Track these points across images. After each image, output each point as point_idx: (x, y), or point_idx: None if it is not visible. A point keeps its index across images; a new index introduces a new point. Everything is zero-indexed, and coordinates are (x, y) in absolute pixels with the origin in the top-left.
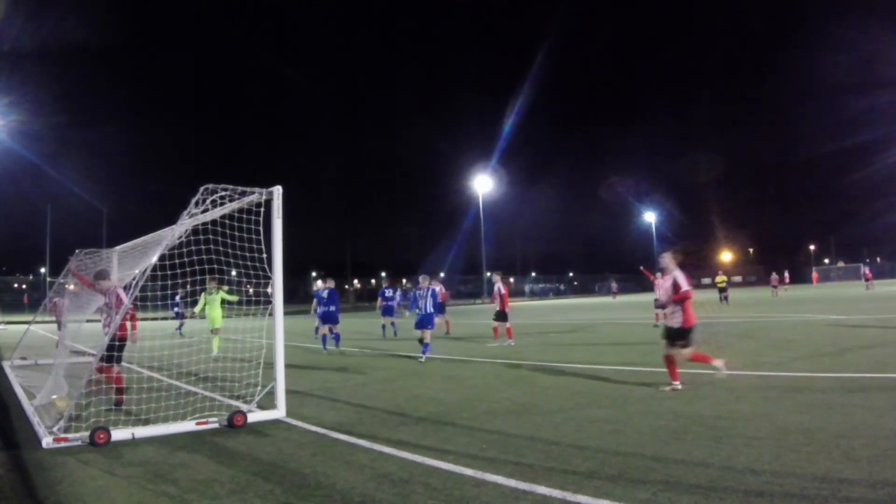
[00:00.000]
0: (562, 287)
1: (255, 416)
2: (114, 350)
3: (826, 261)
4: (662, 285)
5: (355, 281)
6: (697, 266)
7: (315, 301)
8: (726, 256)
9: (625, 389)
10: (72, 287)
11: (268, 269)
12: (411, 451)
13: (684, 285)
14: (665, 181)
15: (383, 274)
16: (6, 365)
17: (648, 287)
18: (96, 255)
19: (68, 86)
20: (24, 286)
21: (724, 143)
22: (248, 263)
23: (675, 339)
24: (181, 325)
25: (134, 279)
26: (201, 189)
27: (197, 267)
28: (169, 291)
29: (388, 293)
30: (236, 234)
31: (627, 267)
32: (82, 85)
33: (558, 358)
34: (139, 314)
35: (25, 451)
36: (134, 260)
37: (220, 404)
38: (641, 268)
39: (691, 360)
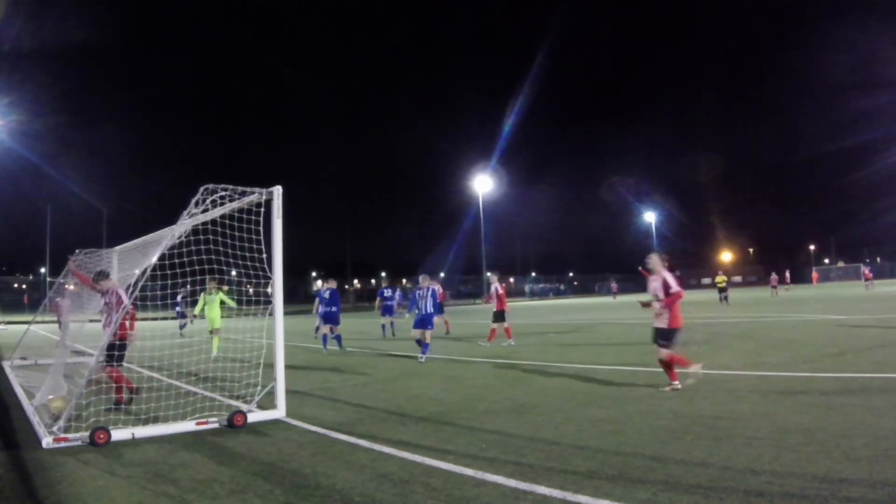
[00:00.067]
0: (562, 287)
1: (255, 416)
2: (114, 350)
3: (826, 261)
4: (649, 286)
5: (355, 281)
6: (680, 272)
7: (317, 300)
8: (726, 256)
9: (625, 389)
10: (72, 287)
11: (268, 269)
12: (411, 451)
13: (675, 286)
14: (665, 181)
15: (383, 274)
16: (6, 365)
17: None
18: (96, 255)
19: (68, 86)
20: (24, 286)
21: (724, 143)
22: (248, 263)
23: (658, 338)
24: (184, 325)
25: (134, 279)
26: (201, 189)
27: (197, 267)
28: (169, 291)
29: (387, 293)
30: (236, 234)
31: (627, 267)
32: (82, 85)
33: (558, 358)
34: (139, 314)
35: (25, 451)
36: (134, 260)
37: (220, 404)
38: (640, 268)
39: (668, 360)
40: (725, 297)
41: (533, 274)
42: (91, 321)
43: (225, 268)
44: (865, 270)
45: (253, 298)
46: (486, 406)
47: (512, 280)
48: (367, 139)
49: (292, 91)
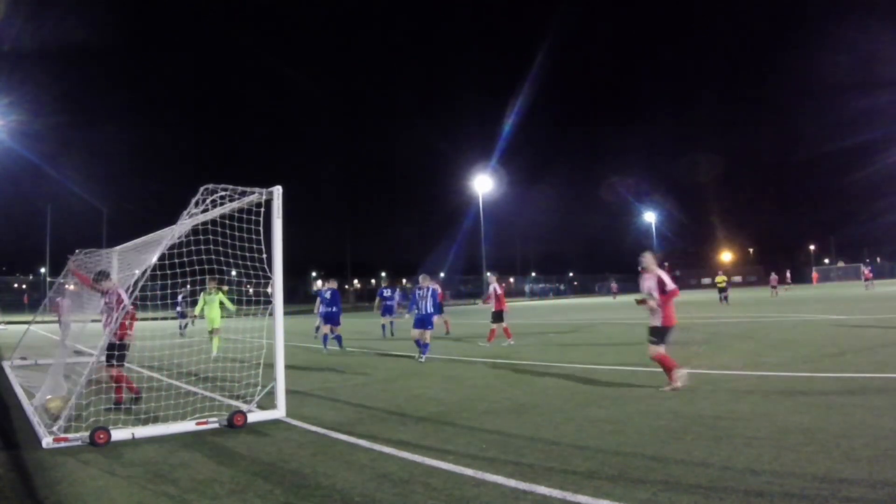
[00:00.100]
0: (562, 287)
1: (255, 416)
2: (114, 350)
3: (826, 261)
4: (643, 284)
5: (355, 281)
6: (680, 272)
7: (318, 300)
8: (726, 256)
9: (625, 389)
10: (72, 287)
11: (268, 269)
12: (411, 451)
13: (671, 284)
14: (665, 181)
15: (383, 274)
16: (6, 365)
17: None
18: (96, 255)
19: (68, 86)
20: (24, 286)
21: (724, 143)
22: (248, 263)
23: (651, 335)
24: (186, 325)
25: (134, 279)
26: (201, 189)
27: (197, 267)
28: (169, 291)
29: (387, 293)
30: (236, 234)
31: (627, 267)
32: (82, 85)
33: (558, 358)
34: (139, 314)
35: (25, 451)
36: (134, 260)
37: (220, 404)
38: (640, 268)
39: (654, 359)
40: (725, 297)
41: (533, 274)
42: (93, 321)
43: (225, 268)
44: (865, 270)
45: (253, 298)
46: (486, 406)
47: (512, 280)
48: (367, 139)
49: (292, 91)
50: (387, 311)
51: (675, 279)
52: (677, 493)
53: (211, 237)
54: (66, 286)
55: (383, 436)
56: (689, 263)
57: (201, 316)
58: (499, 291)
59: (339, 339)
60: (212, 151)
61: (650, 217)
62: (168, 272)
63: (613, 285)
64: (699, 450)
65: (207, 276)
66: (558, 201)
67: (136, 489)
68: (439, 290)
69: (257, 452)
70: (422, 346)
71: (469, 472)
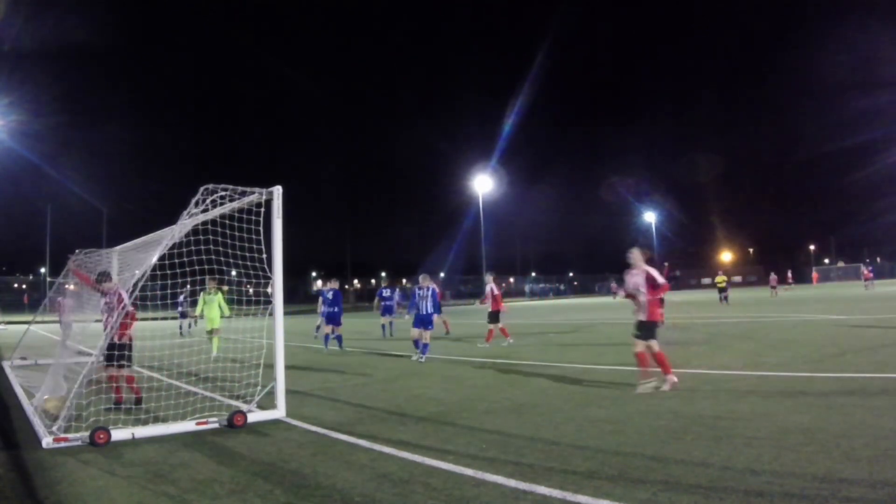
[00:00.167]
0: (562, 287)
1: (255, 416)
2: (114, 350)
3: (826, 261)
4: (630, 280)
5: (355, 281)
6: (680, 272)
7: (320, 300)
8: (726, 256)
9: (625, 389)
10: (72, 287)
11: (268, 269)
12: (411, 451)
13: (660, 279)
14: (665, 181)
15: (383, 274)
16: (6, 365)
17: None
18: (96, 255)
19: (68, 86)
20: (24, 286)
21: (724, 143)
22: (248, 263)
23: (636, 330)
24: (189, 326)
25: (134, 280)
26: (201, 189)
27: (197, 267)
28: (169, 291)
29: (386, 293)
30: (236, 234)
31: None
32: (82, 85)
33: (558, 358)
34: (139, 314)
35: (25, 451)
36: (134, 260)
37: (220, 404)
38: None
39: (636, 356)
40: (725, 297)
41: (533, 274)
42: (97, 321)
43: (225, 268)
44: (865, 270)
45: (253, 298)
46: (486, 406)
47: (512, 280)
48: (367, 139)
49: (292, 91)
50: (386, 311)
51: (671, 278)
52: (677, 493)
53: (211, 237)
54: (67, 286)
55: (383, 436)
56: (689, 263)
57: (201, 316)
58: (496, 292)
59: (339, 339)
60: (212, 151)
61: (650, 217)
62: (168, 272)
63: (613, 285)
64: (699, 450)
65: (207, 277)
66: (558, 201)
67: (136, 489)
68: (438, 290)
69: (257, 452)
70: (421, 346)
71: (469, 472)
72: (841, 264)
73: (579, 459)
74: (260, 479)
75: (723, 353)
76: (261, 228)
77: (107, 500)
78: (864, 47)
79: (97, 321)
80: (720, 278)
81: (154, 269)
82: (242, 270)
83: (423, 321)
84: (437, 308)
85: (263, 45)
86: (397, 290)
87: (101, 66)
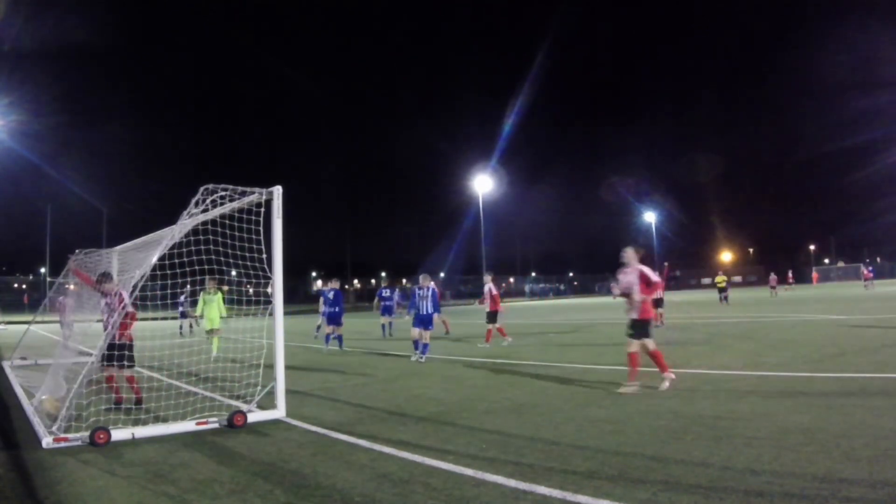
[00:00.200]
0: (562, 287)
1: (255, 416)
2: (114, 350)
3: (826, 261)
4: (623, 279)
5: (355, 281)
6: (681, 272)
7: (322, 300)
8: (726, 256)
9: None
10: (72, 286)
11: (268, 269)
12: (411, 451)
13: (654, 277)
14: (665, 181)
15: (383, 274)
16: (6, 365)
17: None
18: (96, 255)
19: (68, 86)
20: (24, 286)
21: (724, 143)
22: (248, 263)
23: (629, 328)
24: (191, 326)
25: (134, 280)
26: (201, 189)
27: (197, 267)
28: (169, 291)
29: (386, 293)
30: (236, 234)
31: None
32: (82, 85)
33: (558, 358)
34: (139, 314)
35: (25, 451)
36: (134, 260)
37: (220, 404)
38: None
39: (629, 356)
40: (725, 297)
41: (533, 274)
42: (98, 321)
43: (225, 268)
44: (865, 270)
45: (253, 298)
46: (486, 406)
47: (512, 280)
48: (367, 139)
49: (292, 91)
50: (386, 311)
51: (671, 278)
52: (677, 493)
53: (211, 237)
54: (68, 286)
55: (383, 436)
56: (689, 263)
57: (201, 316)
58: (494, 292)
59: (339, 338)
60: (212, 151)
61: (650, 217)
62: (168, 272)
63: (613, 285)
64: (699, 450)
65: (207, 277)
66: (558, 201)
67: (136, 489)
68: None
69: (257, 452)
70: (421, 346)
71: (469, 472)
72: (841, 264)
73: (579, 459)
74: (260, 479)
75: (723, 353)
76: (261, 228)
77: (107, 500)
78: (864, 47)
79: (98, 321)
80: (720, 278)
81: (154, 269)
82: (242, 270)
83: (424, 321)
84: (437, 307)
85: (263, 45)
86: (397, 290)
87: (101, 66)
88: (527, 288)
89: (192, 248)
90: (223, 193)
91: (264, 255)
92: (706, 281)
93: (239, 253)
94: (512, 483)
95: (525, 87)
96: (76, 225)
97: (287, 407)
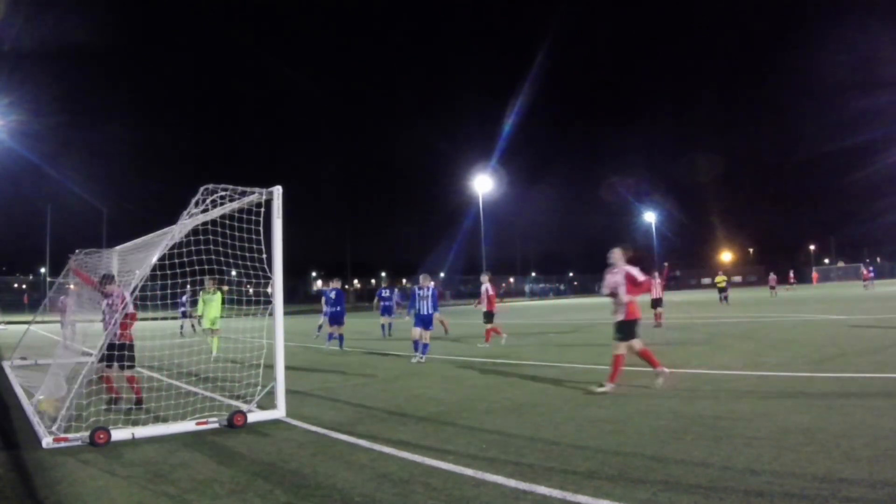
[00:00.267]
0: (562, 287)
1: (255, 416)
2: (114, 350)
3: (826, 261)
4: (610, 279)
5: (355, 281)
6: (680, 272)
7: (324, 299)
8: (726, 256)
9: (625, 389)
10: (72, 286)
11: (268, 269)
12: (411, 451)
13: (641, 277)
14: (665, 181)
15: (383, 274)
16: (6, 365)
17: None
18: (96, 255)
19: (68, 86)
20: (24, 286)
21: (724, 143)
22: (248, 263)
23: (617, 331)
24: (192, 326)
25: (134, 281)
26: (201, 189)
27: (197, 267)
28: (169, 291)
29: (385, 293)
30: (236, 234)
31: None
32: (82, 85)
33: (558, 358)
34: (140, 314)
35: (25, 451)
36: (134, 260)
37: (220, 404)
38: (638, 268)
39: (614, 357)
40: (725, 297)
41: (533, 274)
42: (100, 321)
43: (225, 268)
44: (864, 270)
45: (253, 298)
46: (486, 406)
47: (512, 280)
48: (367, 139)
49: (292, 91)
50: (385, 311)
51: (671, 278)
52: (677, 493)
53: (211, 237)
54: (68, 286)
55: (383, 436)
56: (689, 263)
57: (202, 316)
58: (490, 292)
59: (340, 338)
60: (212, 151)
61: (650, 217)
62: (168, 272)
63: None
64: (699, 450)
65: (207, 277)
66: (558, 201)
67: (136, 489)
68: (438, 290)
69: (257, 452)
70: (421, 346)
71: (469, 472)
72: (841, 264)
73: (579, 459)
74: (260, 479)
75: (723, 353)
76: (261, 228)
77: (107, 500)
78: (864, 47)
79: (99, 322)
80: (720, 278)
81: (154, 269)
82: (242, 270)
83: (425, 321)
84: (436, 307)
85: (263, 45)
86: (396, 290)
87: (101, 66)
88: (527, 288)
89: (192, 248)
90: (223, 193)
91: (264, 255)
92: (706, 281)
93: (239, 253)
94: (512, 483)
95: (525, 87)
96: (76, 225)
97: (287, 407)
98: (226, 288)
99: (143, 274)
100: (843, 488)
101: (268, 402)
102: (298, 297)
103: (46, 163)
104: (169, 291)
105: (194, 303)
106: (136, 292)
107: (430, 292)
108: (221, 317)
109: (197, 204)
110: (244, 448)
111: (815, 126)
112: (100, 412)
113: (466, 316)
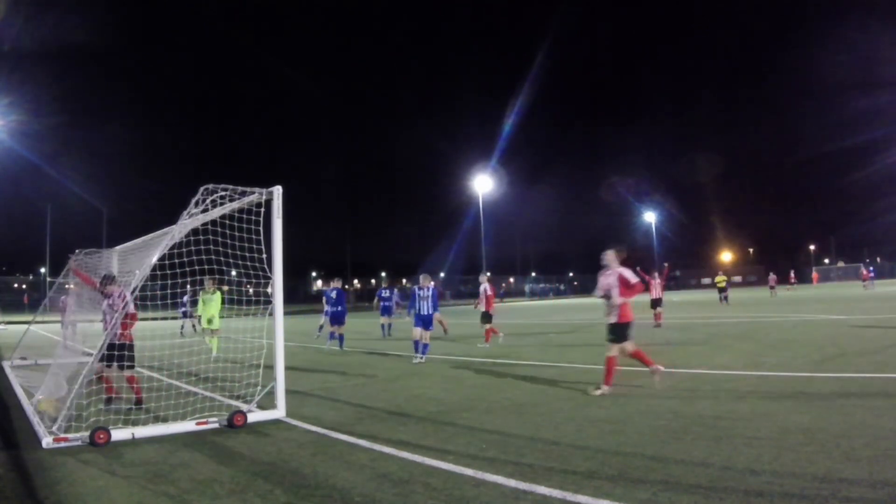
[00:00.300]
0: (562, 287)
1: (255, 416)
2: (114, 350)
3: (826, 261)
4: (603, 281)
5: (355, 281)
6: (635, 267)
7: (325, 299)
8: (726, 256)
9: (625, 389)
10: (72, 286)
11: (268, 269)
12: (411, 451)
13: (633, 279)
14: (665, 181)
15: (383, 274)
16: (6, 365)
17: (646, 287)
18: (96, 255)
19: (68, 86)
20: (24, 286)
21: (724, 143)
22: (248, 263)
23: (609, 334)
24: (194, 326)
25: (134, 281)
26: (201, 189)
27: (197, 267)
28: (169, 291)
29: (385, 293)
30: (236, 234)
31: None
32: (82, 85)
33: (558, 358)
34: (140, 314)
35: (25, 451)
36: (134, 260)
37: (220, 404)
38: (638, 268)
39: (607, 359)
40: (725, 297)
41: (533, 274)
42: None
43: (225, 268)
44: (864, 270)
45: (253, 298)
46: (486, 406)
47: (512, 280)
48: (367, 139)
49: (292, 91)
50: (385, 311)
51: (671, 278)
52: (677, 493)
53: (211, 237)
54: (68, 286)
55: (383, 436)
56: (689, 263)
57: (202, 315)
58: (489, 293)
59: (341, 338)
60: (212, 151)
61: (650, 217)
62: (168, 272)
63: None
64: (699, 450)
65: (206, 277)
66: (558, 201)
67: (136, 489)
68: (439, 290)
69: (257, 452)
70: (421, 346)
71: (469, 472)
72: (841, 264)
73: (579, 459)
74: (260, 479)
75: (723, 353)
76: (261, 228)
77: (107, 500)
78: (864, 47)
79: (100, 322)
80: (720, 278)
81: (154, 269)
82: (242, 270)
83: (425, 321)
84: (437, 307)
85: (263, 45)
86: (395, 290)
87: (101, 66)
88: (527, 288)
89: (192, 248)
90: (223, 193)
91: (264, 255)
92: (706, 281)
93: (239, 253)
94: (512, 483)
95: (525, 87)
96: (76, 225)
97: (287, 407)
98: (226, 288)
99: (144, 274)
100: (843, 488)
101: (268, 402)
102: (298, 297)
103: (46, 163)
104: (169, 291)
105: (195, 303)
106: (136, 292)
107: (430, 292)
108: (221, 317)
109: (197, 204)
110: (244, 448)
111: (815, 126)
112: (100, 412)
113: (466, 316)
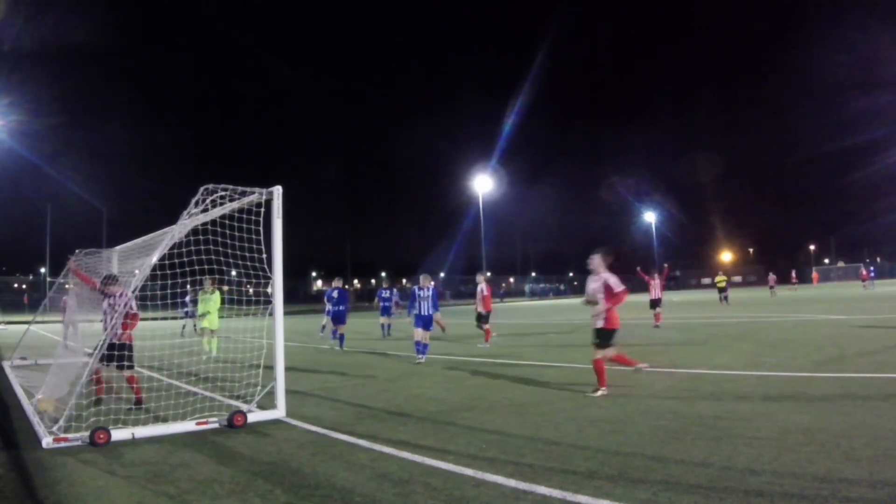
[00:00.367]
0: (562, 287)
1: (255, 416)
2: (114, 350)
3: (826, 261)
4: (589, 286)
5: (355, 281)
6: (627, 268)
7: (326, 299)
8: (726, 256)
9: (624, 389)
10: (72, 286)
11: (268, 269)
12: (411, 451)
13: (617, 286)
14: (665, 181)
15: (383, 274)
16: (6, 365)
17: (646, 288)
18: (96, 255)
19: (68, 86)
20: (24, 286)
21: (724, 143)
22: (248, 263)
23: (595, 338)
24: (195, 326)
25: (134, 281)
26: (201, 189)
27: (197, 267)
28: (169, 291)
29: (385, 294)
30: (236, 234)
31: (627, 267)
32: (82, 85)
33: (558, 358)
34: (141, 314)
35: (25, 451)
36: (134, 260)
37: (220, 404)
38: (638, 268)
39: (593, 363)
40: (725, 297)
41: (533, 274)
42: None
43: (225, 268)
44: (864, 271)
45: (253, 298)
46: (486, 406)
47: (512, 280)
48: (367, 139)
49: (292, 91)
50: (385, 311)
51: (671, 278)
52: (677, 493)
53: (211, 237)
54: (68, 286)
55: (383, 436)
56: (689, 263)
57: (202, 315)
58: (486, 293)
59: (341, 338)
60: (212, 151)
61: (650, 217)
62: (168, 272)
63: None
64: (699, 450)
65: (206, 277)
66: (558, 201)
67: (136, 489)
68: (439, 290)
69: (257, 452)
70: (421, 346)
71: (469, 472)
72: (841, 264)
73: (579, 459)
74: (260, 479)
75: (723, 353)
76: (261, 228)
77: (107, 500)
78: (864, 47)
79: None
80: (720, 278)
81: (154, 269)
82: (242, 270)
83: (426, 321)
84: (437, 307)
85: (263, 45)
86: (395, 290)
87: (101, 66)
88: (527, 288)
89: (192, 248)
90: (223, 193)
91: (264, 255)
92: (706, 281)
93: (239, 253)
94: (512, 483)
95: (525, 87)
96: (76, 225)
97: (287, 407)
98: (226, 288)
99: (144, 274)
100: (843, 488)
101: (268, 402)
102: (298, 297)
103: (46, 163)
104: (169, 291)
105: (195, 302)
106: (136, 292)
107: (430, 292)
108: (221, 317)
109: (197, 204)
110: (244, 448)
111: (815, 126)
112: (100, 412)
113: (466, 316)
